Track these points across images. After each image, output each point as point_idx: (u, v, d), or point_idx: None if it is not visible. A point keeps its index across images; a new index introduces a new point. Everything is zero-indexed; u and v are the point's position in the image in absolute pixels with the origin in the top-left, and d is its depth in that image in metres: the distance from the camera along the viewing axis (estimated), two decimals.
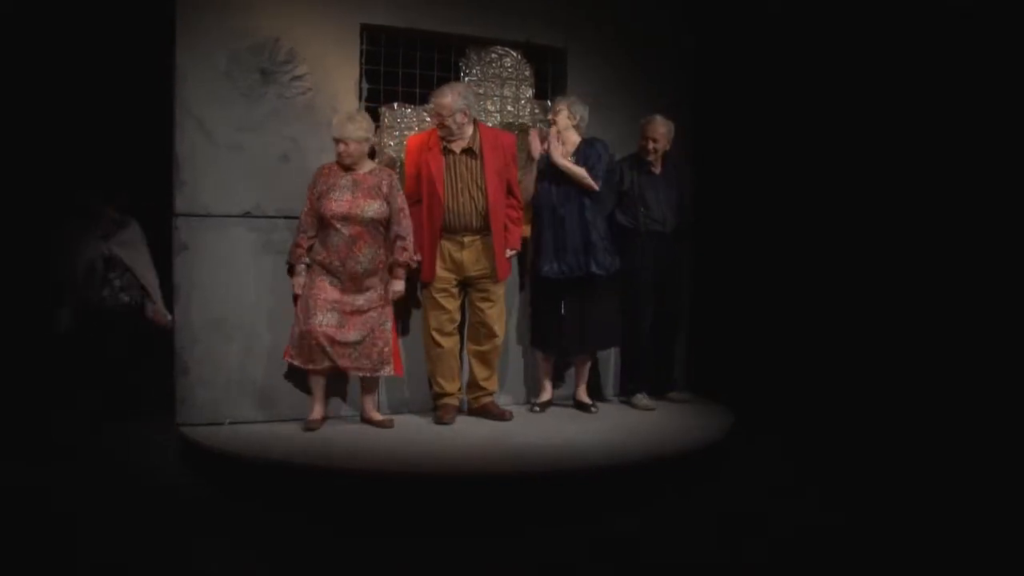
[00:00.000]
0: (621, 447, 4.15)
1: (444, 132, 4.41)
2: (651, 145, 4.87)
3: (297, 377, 4.42)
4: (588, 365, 4.95)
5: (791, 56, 5.47)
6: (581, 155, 4.67)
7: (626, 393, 5.15)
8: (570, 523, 3.54)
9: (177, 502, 3.72)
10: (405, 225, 4.33)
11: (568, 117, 4.67)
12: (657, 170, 4.95)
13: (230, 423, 4.26)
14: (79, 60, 5.32)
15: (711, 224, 5.55)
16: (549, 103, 5.23)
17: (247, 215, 4.38)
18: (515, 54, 5.13)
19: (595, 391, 5.13)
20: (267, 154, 4.42)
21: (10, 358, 5.05)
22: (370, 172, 4.30)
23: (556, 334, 4.74)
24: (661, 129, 4.86)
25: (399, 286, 4.37)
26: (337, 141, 4.20)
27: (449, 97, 4.35)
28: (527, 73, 5.18)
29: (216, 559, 3.14)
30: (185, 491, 3.87)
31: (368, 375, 4.34)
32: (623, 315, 5.00)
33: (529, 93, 5.21)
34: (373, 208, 4.23)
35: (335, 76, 4.59)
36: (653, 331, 5.09)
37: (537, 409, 4.85)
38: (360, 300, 4.28)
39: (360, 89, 4.70)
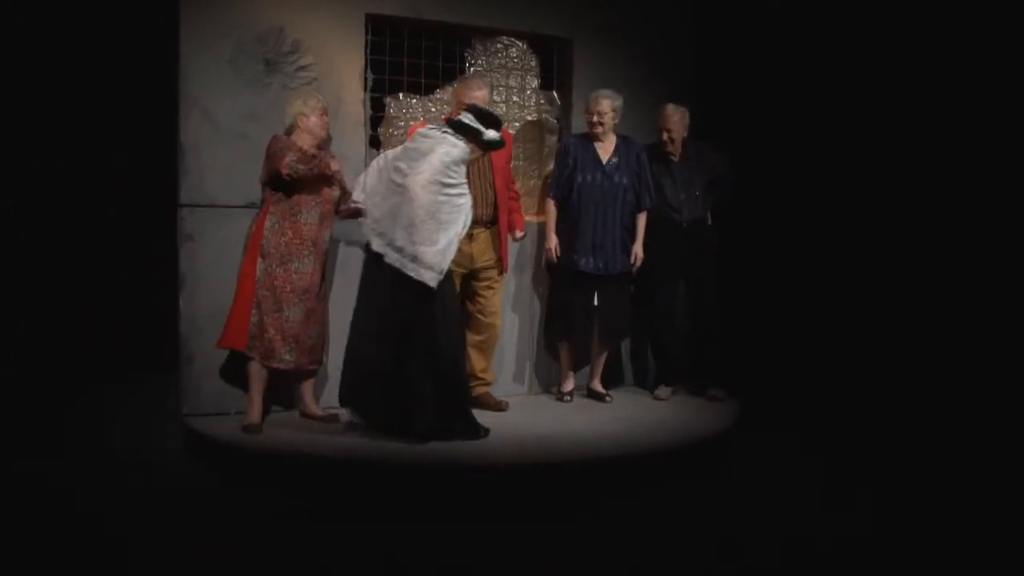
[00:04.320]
0: (626, 437, 4.15)
1: None
2: (665, 136, 4.84)
3: None
4: (604, 357, 4.95)
5: (796, 44, 5.44)
6: (622, 155, 4.67)
7: (640, 383, 5.20)
8: (570, 514, 3.53)
9: (181, 492, 3.71)
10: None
11: (614, 117, 4.65)
12: (675, 158, 4.90)
13: (236, 413, 4.25)
14: (84, 50, 5.32)
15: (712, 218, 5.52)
16: (555, 94, 5.22)
17: (252, 205, 4.35)
18: (521, 44, 5.12)
19: (609, 380, 5.11)
20: None
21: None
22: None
23: (589, 325, 4.76)
24: (674, 117, 4.81)
25: None
26: None
27: (487, 90, 4.34)
28: (533, 63, 5.17)
29: (219, 549, 3.14)
30: (189, 481, 3.87)
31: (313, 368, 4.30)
32: (643, 305, 4.99)
33: (535, 83, 5.19)
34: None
35: (340, 66, 4.58)
36: (692, 326, 5.07)
37: (568, 399, 4.87)
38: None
39: (365, 79, 4.69)
